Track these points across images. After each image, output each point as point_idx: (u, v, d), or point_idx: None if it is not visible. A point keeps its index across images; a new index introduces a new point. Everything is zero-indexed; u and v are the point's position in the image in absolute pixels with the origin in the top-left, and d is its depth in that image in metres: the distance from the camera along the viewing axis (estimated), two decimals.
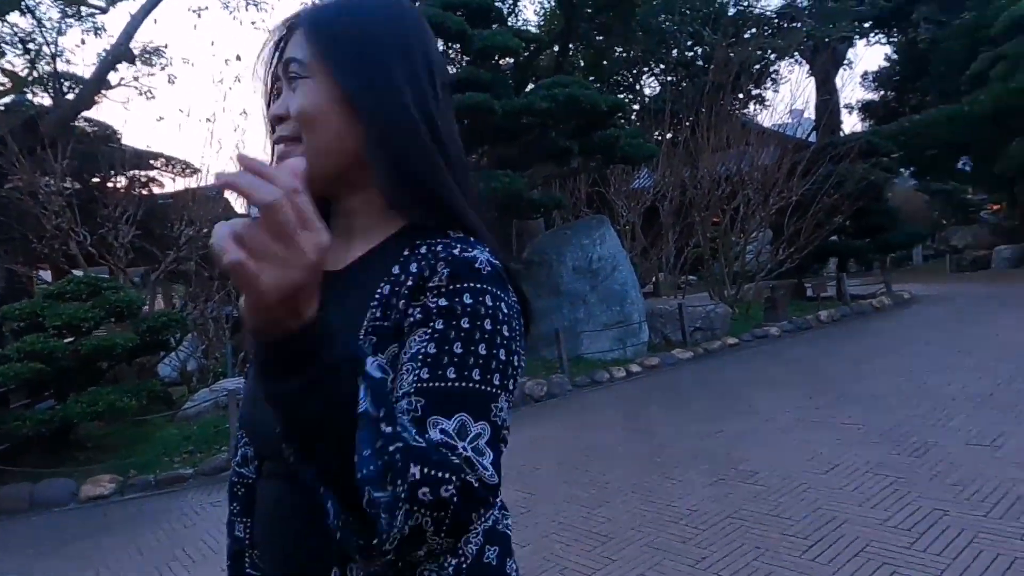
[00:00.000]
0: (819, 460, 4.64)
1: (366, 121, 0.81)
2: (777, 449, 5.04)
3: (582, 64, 19.28)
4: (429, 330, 0.73)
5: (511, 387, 0.75)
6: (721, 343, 9.82)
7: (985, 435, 4.71)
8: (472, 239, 0.81)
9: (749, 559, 3.35)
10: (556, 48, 16.35)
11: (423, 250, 0.80)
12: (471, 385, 0.70)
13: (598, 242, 9.81)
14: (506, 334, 0.75)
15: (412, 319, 0.75)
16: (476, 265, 0.76)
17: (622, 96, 21.03)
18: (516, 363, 0.76)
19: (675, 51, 18.43)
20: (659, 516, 4.05)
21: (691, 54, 18.58)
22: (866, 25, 23.85)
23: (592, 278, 9.61)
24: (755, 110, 20.81)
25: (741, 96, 17.30)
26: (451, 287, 0.74)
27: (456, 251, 0.77)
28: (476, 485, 0.64)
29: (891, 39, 25.78)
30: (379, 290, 0.80)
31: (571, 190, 14.02)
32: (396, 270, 0.80)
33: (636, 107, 21.03)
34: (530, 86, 13.41)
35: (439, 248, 0.79)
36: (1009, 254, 17.89)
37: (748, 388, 7.36)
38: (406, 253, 0.81)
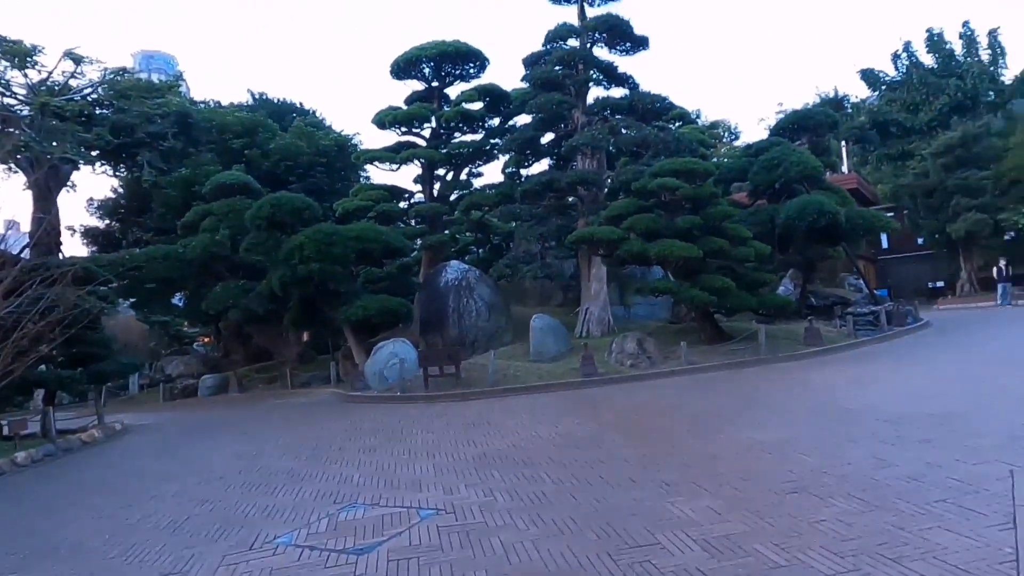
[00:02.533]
0: None
1: None
2: None
3: None
4: None
5: None
6: None
7: (175, 563, 4.92)
8: None
9: None
10: None
11: None
12: None
13: None
14: None
15: None
16: None
17: None
18: None
19: None
20: None
21: None
22: (93, 153, 23.92)
23: None
24: None
25: None
26: None
27: None
28: None
29: (118, 173, 26.60)
30: None
31: None
32: None
33: None
34: None
35: None
36: (212, 382, 20.35)
37: None
38: None
